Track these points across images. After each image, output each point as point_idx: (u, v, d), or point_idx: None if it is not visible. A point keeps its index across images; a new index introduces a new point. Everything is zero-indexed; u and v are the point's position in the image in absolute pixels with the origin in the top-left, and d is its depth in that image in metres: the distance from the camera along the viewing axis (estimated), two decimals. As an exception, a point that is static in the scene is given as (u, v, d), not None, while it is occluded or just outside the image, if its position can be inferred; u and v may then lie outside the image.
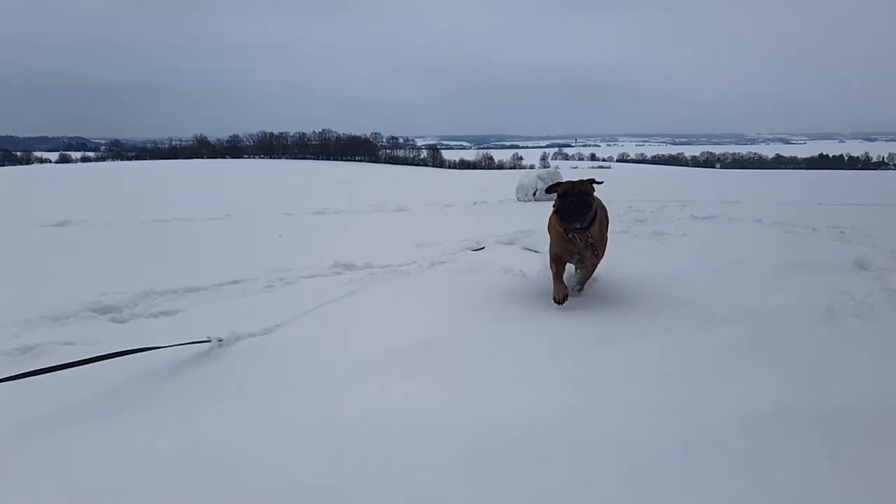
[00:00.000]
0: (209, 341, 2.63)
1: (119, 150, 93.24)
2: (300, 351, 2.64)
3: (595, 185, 3.34)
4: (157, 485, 1.62)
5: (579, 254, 3.30)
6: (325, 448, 1.79)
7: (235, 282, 3.90)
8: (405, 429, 1.90)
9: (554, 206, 3.38)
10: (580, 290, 3.45)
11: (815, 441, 1.79)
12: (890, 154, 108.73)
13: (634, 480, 1.61)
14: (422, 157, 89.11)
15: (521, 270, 4.08)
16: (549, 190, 3.44)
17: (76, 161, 72.99)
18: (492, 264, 4.34)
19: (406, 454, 1.75)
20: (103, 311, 3.21)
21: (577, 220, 3.16)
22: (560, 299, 3.17)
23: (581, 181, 3.26)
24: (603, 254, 3.39)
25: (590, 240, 3.23)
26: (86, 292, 3.44)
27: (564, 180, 3.44)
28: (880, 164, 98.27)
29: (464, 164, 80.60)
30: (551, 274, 3.37)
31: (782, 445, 1.76)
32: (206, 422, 1.98)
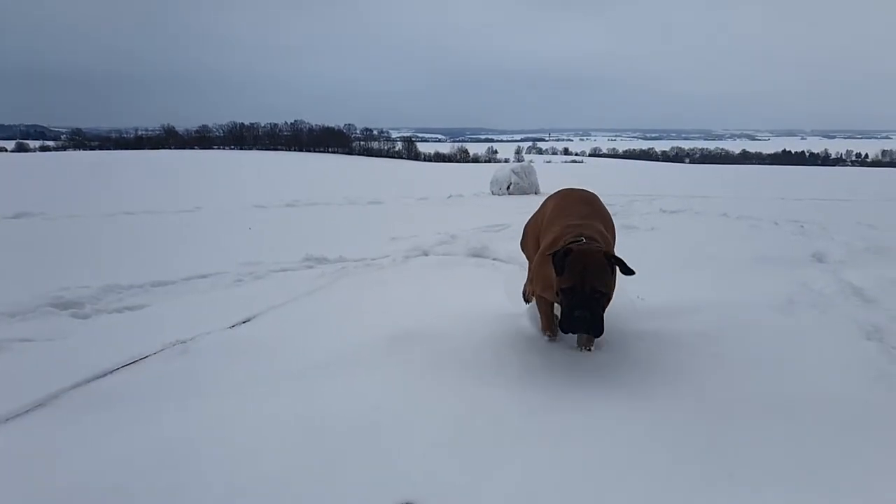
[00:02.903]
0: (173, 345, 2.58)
1: (81, 140, 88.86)
2: (269, 346, 2.60)
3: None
4: (121, 485, 1.58)
5: None
6: (296, 444, 1.78)
7: (204, 276, 3.82)
8: (378, 421, 1.90)
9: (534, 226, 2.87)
10: (591, 348, 2.50)
11: (775, 428, 1.87)
12: (847, 151, 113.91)
13: (603, 465, 1.66)
14: (396, 149, 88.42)
15: (494, 260, 4.12)
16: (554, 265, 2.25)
17: (34, 150, 69.65)
18: (466, 258, 4.36)
19: (379, 446, 1.76)
20: (64, 306, 3.10)
21: (587, 333, 2.33)
22: (553, 333, 2.63)
23: (600, 253, 2.26)
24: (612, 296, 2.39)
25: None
26: (45, 287, 3.32)
27: (570, 244, 2.30)
28: (838, 161, 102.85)
29: (439, 157, 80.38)
30: (537, 307, 2.69)
31: (743, 432, 1.84)
32: (171, 420, 1.94)
